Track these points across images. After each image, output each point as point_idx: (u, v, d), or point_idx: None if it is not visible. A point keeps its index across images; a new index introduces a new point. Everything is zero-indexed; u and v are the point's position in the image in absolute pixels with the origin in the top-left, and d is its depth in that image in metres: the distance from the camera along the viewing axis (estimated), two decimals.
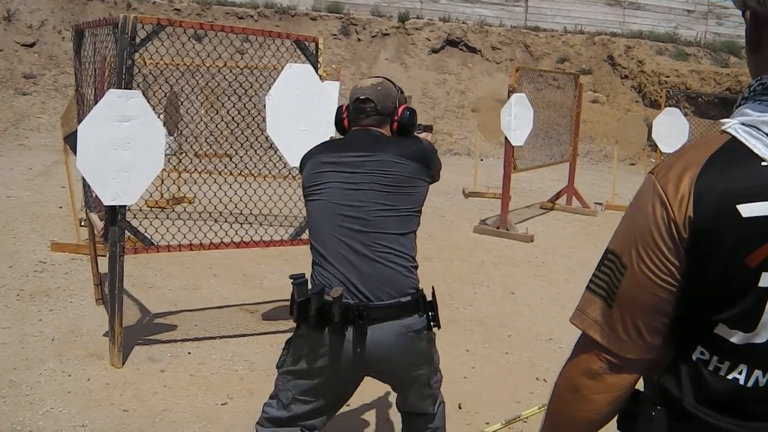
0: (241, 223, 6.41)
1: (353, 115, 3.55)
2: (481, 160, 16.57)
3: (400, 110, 3.56)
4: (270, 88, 5.98)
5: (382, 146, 3.41)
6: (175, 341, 6.12)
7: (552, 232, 11.76)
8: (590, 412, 1.71)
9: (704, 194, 1.49)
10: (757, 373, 1.55)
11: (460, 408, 5.25)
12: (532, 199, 14.43)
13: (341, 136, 3.64)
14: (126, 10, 21.92)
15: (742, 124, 1.54)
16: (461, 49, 24.90)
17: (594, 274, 1.69)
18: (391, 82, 3.63)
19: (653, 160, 14.97)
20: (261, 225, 6.55)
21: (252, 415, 4.91)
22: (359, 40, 24.32)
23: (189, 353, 5.90)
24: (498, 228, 11.14)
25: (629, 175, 17.69)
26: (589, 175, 17.55)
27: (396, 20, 24.84)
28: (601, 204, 14.39)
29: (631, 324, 1.61)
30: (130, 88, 5.25)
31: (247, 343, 6.19)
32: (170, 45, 6.07)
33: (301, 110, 5.82)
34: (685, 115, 14.35)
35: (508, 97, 11.13)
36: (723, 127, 1.58)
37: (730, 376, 1.57)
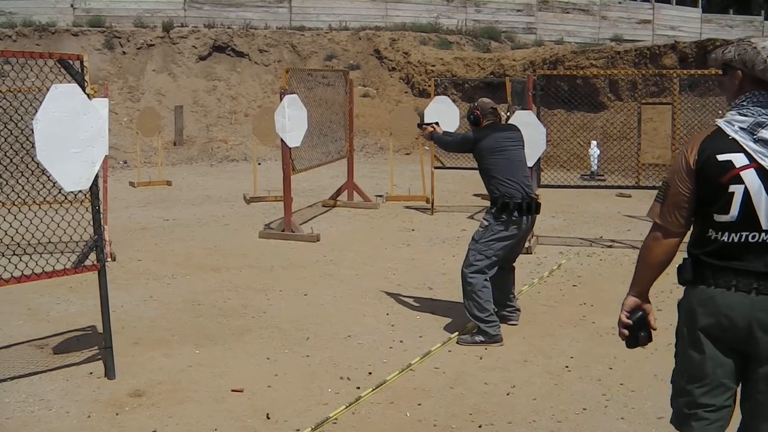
0: (20, 256, 6.10)
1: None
2: (259, 164, 16.48)
3: None
4: (37, 110, 5.73)
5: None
6: None
7: (337, 229, 11.96)
8: (653, 257, 3.42)
9: (701, 152, 3.20)
10: (733, 234, 3.18)
11: (268, 418, 5.26)
12: (313, 198, 14.61)
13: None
14: None
15: (725, 120, 3.22)
16: (229, 54, 24.75)
17: (658, 191, 3.41)
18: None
19: (427, 148, 15.41)
20: (41, 255, 6.26)
21: None
22: (124, 53, 23.71)
23: None
24: (283, 231, 11.20)
25: (405, 164, 18.10)
26: (366, 168, 17.87)
27: (160, 30, 24.36)
28: (381, 196, 14.77)
29: (672, 213, 3.32)
30: None
31: (41, 380, 5.91)
32: None
33: (71, 132, 5.59)
34: (454, 101, 14.82)
35: (281, 98, 11.19)
36: (715, 122, 3.25)
37: (720, 239, 3.22)
